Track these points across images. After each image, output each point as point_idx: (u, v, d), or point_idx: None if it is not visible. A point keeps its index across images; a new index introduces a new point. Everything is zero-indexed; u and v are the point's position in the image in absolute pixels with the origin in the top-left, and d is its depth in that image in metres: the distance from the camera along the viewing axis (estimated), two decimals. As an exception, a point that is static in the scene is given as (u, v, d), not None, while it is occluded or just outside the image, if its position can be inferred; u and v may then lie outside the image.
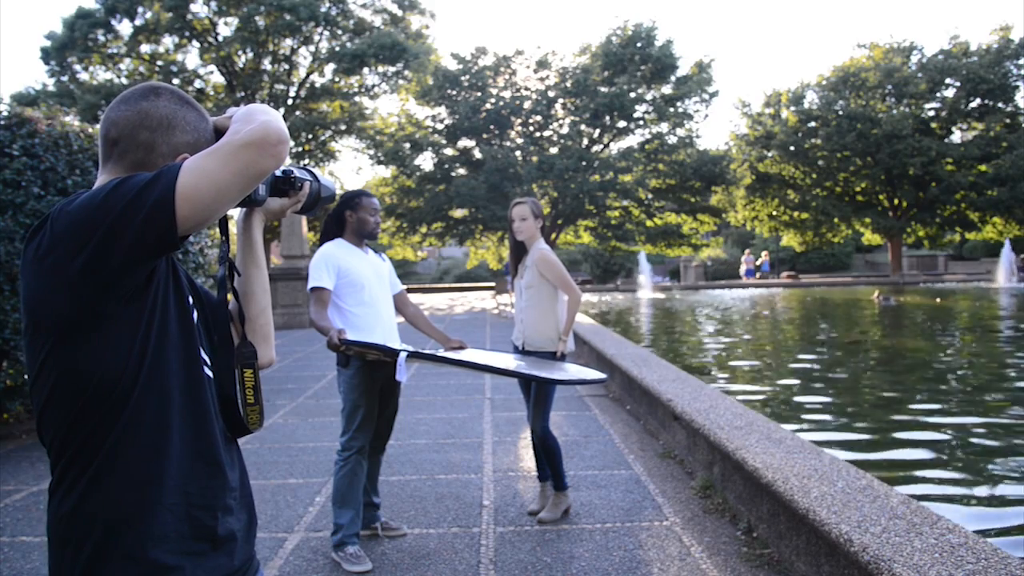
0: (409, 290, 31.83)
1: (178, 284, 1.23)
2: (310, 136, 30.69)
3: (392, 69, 29.61)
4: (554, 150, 31.11)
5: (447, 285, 40.24)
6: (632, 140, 33.12)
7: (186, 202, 1.06)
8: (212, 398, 1.26)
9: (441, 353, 3.13)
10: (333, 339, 3.11)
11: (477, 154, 31.92)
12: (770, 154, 35.19)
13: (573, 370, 3.57)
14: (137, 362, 1.13)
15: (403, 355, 3.14)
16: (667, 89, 31.94)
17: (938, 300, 19.99)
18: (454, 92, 30.90)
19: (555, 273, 3.91)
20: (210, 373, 1.27)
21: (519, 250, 4.09)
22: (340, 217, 3.57)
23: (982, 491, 4.57)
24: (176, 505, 1.16)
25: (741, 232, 45.17)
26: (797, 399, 7.39)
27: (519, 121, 31.39)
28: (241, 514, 1.28)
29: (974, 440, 5.62)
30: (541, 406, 3.89)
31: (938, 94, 33.10)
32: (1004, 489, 4.63)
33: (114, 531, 1.12)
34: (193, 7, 27.75)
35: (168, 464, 1.16)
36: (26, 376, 1.20)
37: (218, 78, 30.35)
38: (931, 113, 33.58)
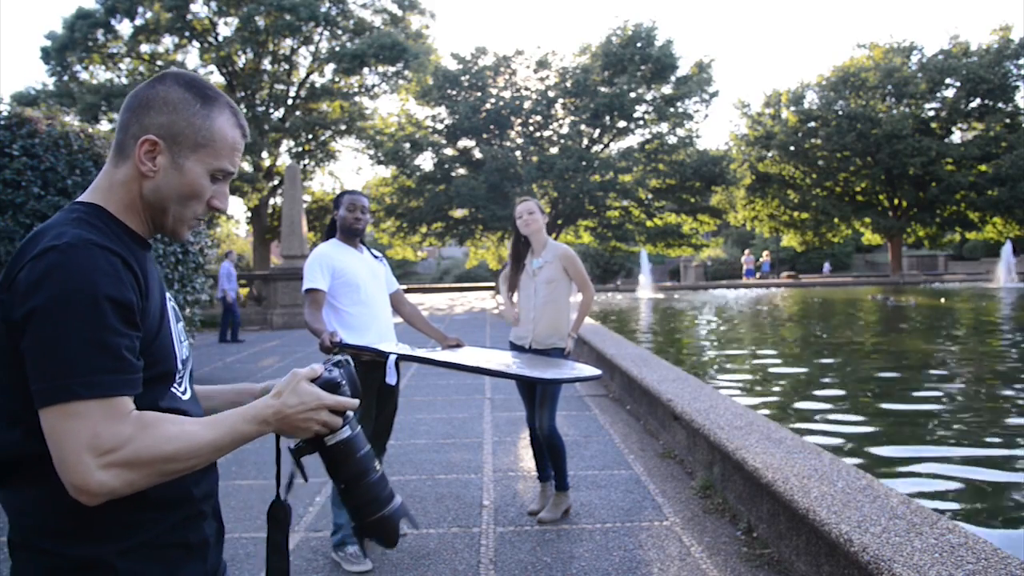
0: (409, 290, 31.84)
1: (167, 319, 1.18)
2: (310, 136, 30.71)
3: (392, 69, 29.61)
4: (554, 150, 31.11)
5: (447, 285, 40.24)
6: (632, 140, 33.13)
7: None
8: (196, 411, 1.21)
9: (433, 356, 3.09)
10: (325, 342, 3.13)
11: (477, 154, 31.92)
12: (770, 154, 35.22)
13: (567, 367, 3.57)
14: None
15: (392, 357, 3.12)
16: (667, 89, 31.94)
17: (942, 300, 19.97)
18: (454, 92, 30.90)
19: (578, 269, 4.00)
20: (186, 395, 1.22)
21: (524, 246, 4.10)
22: (333, 218, 3.65)
23: (983, 490, 4.57)
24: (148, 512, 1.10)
25: (741, 232, 45.19)
26: (805, 398, 7.40)
27: (519, 121, 31.40)
28: (212, 520, 1.23)
29: (978, 439, 5.62)
30: (548, 404, 3.89)
31: (938, 94, 33.13)
32: (1005, 488, 4.63)
33: (79, 538, 1.05)
34: (193, 7, 27.75)
35: None
36: None
37: (218, 78, 30.33)
38: (931, 113, 33.60)
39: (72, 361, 0.97)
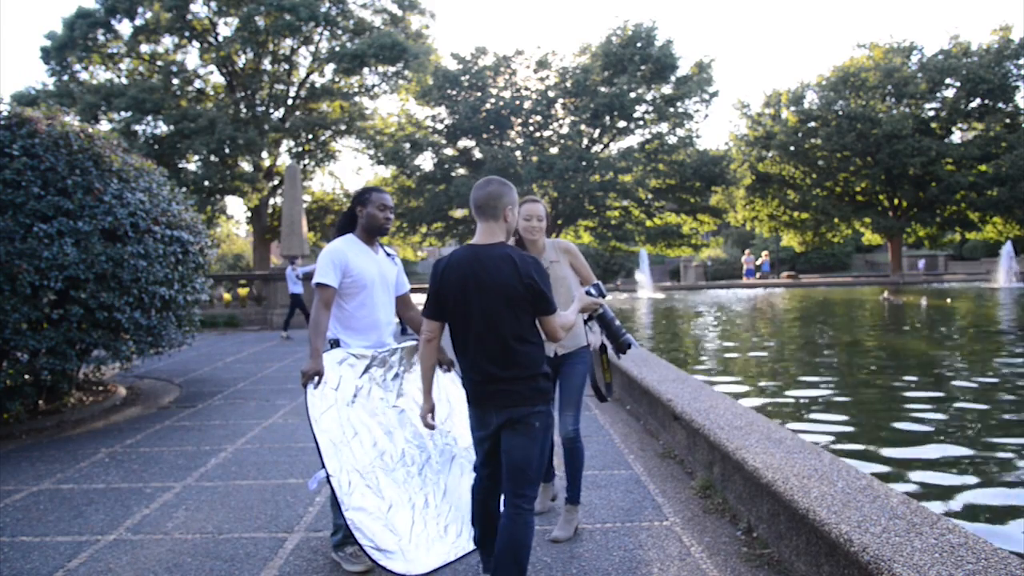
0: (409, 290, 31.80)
1: None
2: (310, 136, 30.69)
3: (392, 69, 29.62)
4: (554, 150, 31.13)
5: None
6: (632, 140, 33.17)
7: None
8: None
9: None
10: (305, 377, 3.19)
11: (477, 154, 31.94)
12: (770, 154, 35.23)
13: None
14: None
15: (320, 473, 3.08)
16: (667, 89, 31.96)
17: (948, 300, 19.93)
18: (454, 92, 30.92)
19: (582, 262, 3.89)
20: None
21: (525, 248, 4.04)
22: (352, 213, 3.54)
23: (984, 490, 4.57)
24: None
25: (741, 232, 45.21)
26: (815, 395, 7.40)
27: (519, 121, 31.42)
28: None
29: (979, 439, 5.62)
30: (573, 408, 3.73)
31: (938, 94, 33.12)
32: (1005, 487, 4.63)
33: (543, 365, 2.77)
34: (193, 7, 27.77)
35: None
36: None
37: (218, 78, 30.36)
38: (931, 113, 33.59)
39: (552, 301, 2.68)
